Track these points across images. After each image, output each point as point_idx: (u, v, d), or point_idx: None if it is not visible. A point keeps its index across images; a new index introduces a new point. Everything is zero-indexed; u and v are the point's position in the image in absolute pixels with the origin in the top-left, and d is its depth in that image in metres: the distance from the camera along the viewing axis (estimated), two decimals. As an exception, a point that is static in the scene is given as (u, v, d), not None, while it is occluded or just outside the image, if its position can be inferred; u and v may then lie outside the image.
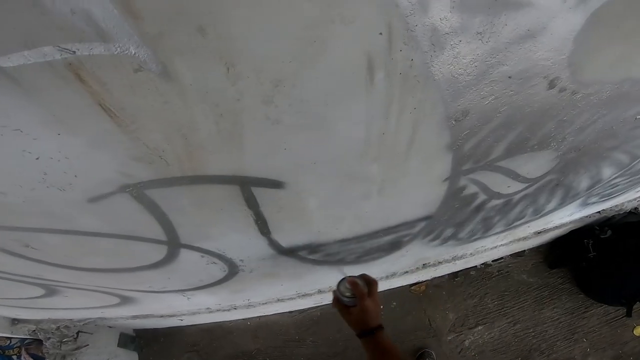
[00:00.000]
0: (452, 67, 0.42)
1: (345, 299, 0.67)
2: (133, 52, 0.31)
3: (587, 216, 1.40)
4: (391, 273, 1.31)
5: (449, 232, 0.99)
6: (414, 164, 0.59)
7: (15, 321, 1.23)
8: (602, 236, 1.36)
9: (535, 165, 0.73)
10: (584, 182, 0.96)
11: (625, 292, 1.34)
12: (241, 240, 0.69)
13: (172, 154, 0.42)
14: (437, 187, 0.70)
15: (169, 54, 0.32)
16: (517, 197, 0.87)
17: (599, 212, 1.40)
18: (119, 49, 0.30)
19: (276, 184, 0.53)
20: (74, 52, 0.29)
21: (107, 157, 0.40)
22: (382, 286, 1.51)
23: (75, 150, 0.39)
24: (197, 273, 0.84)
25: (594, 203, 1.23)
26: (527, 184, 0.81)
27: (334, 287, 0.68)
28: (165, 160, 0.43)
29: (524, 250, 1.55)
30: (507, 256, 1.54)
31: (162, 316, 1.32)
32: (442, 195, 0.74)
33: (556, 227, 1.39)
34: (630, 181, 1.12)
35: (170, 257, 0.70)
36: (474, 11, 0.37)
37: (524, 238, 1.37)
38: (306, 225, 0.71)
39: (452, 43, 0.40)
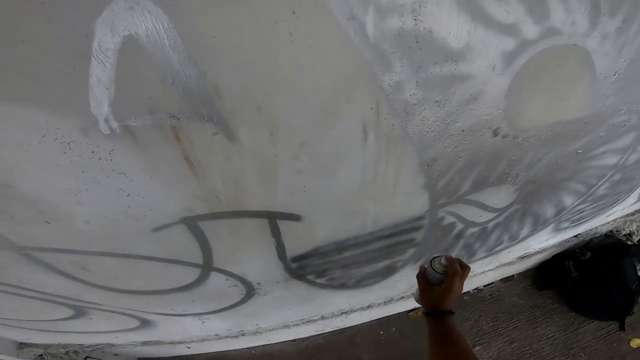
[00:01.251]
0: (420, 127, 0.62)
1: (436, 274, 0.69)
2: (215, 121, 0.49)
3: (565, 240, 1.58)
4: (389, 298, 1.42)
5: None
6: (400, 200, 0.78)
7: (22, 345, 1.26)
8: (583, 258, 1.53)
9: (499, 197, 0.92)
10: (549, 210, 1.14)
11: (613, 307, 1.46)
12: (262, 264, 0.84)
13: (224, 194, 0.60)
14: (420, 219, 0.88)
15: (237, 124, 0.51)
16: (490, 225, 1.04)
17: (575, 236, 1.58)
18: (207, 118, 0.48)
19: (296, 217, 0.71)
20: (179, 118, 0.47)
21: (178, 196, 0.58)
22: (381, 313, 1.62)
23: (156, 190, 0.56)
24: (218, 296, 0.97)
25: (566, 228, 1.41)
26: (496, 213, 0.99)
27: (426, 265, 0.72)
28: (218, 199, 0.60)
29: (513, 275, 1.69)
30: (497, 281, 1.67)
31: (171, 343, 1.40)
32: (425, 225, 0.91)
33: (538, 252, 1.56)
34: (595, 207, 1.31)
35: (201, 279, 0.84)
36: (432, 87, 0.57)
37: (509, 263, 1.52)
38: (316, 250, 0.86)
39: (419, 110, 0.59)
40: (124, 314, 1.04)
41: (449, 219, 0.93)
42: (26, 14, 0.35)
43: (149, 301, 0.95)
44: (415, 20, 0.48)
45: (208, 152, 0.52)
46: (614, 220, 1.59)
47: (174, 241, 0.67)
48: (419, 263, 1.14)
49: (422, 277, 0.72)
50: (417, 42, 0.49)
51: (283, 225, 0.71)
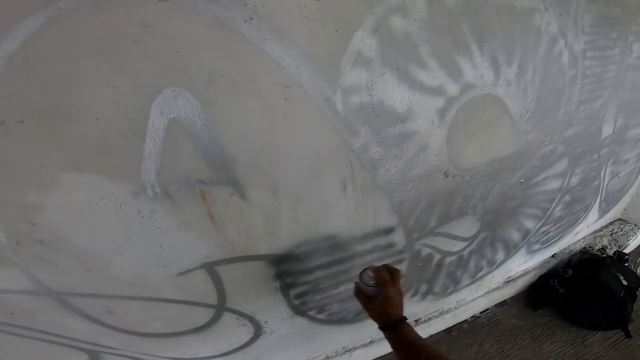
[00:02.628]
0: (386, 177, 0.77)
1: (368, 287, 0.66)
2: (231, 184, 0.63)
3: (544, 261, 1.66)
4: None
5: (423, 287, 1.22)
6: (380, 238, 0.90)
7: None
8: (566, 275, 1.61)
9: (465, 227, 1.04)
10: (514, 234, 1.26)
11: (608, 316, 1.49)
12: (269, 302, 0.91)
13: (238, 242, 0.71)
14: (400, 252, 0.99)
15: (248, 186, 0.65)
16: (465, 252, 1.15)
17: (552, 256, 1.67)
18: (226, 182, 0.62)
19: (295, 257, 0.82)
20: (206, 183, 0.61)
21: (202, 245, 0.69)
22: (382, 349, 1.59)
23: (184, 241, 0.67)
24: (228, 336, 1.00)
25: (539, 249, 1.51)
26: (467, 242, 1.10)
27: (357, 279, 0.70)
28: (233, 246, 0.71)
29: (505, 300, 1.72)
30: (492, 307, 1.70)
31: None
32: (406, 258, 1.02)
33: (522, 275, 1.63)
34: (558, 227, 1.43)
35: (214, 319, 0.89)
36: (390, 144, 0.74)
37: (497, 288, 1.58)
38: (315, 286, 0.94)
39: (383, 164, 0.75)
40: (134, 358, 1.04)
41: (426, 251, 1.04)
42: (100, 96, 0.50)
43: (163, 344, 0.97)
44: (370, 95, 0.67)
45: (226, 209, 0.65)
46: (584, 238, 1.71)
47: (194, 284, 0.76)
48: (409, 294, 1.20)
49: (359, 293, 0.70)
50: (373, 112, 0.68)
51: (285, 265, 0.82)
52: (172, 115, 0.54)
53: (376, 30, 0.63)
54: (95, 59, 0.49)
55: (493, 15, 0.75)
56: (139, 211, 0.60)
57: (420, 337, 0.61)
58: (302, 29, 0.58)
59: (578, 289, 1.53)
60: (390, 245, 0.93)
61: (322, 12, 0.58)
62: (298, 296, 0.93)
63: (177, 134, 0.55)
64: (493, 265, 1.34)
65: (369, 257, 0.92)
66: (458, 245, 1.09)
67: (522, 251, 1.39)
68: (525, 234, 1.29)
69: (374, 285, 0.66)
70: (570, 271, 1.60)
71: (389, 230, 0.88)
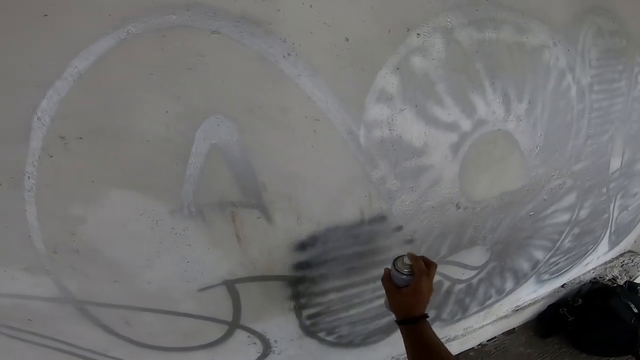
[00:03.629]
0: (401, 207, 0.82)
1: (400, 275, 0.62)
2: (260, 208, 0.68)
3: (554, 291, 1.67)
4: (395, 357, 1.42)
5: (432, 313, 1.24)
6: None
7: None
8: (575, 304, 1.64)
9: (475, 256, 1.08)
10: (524, 265, 1.28)
11: (618, 343, 1.49)
12: (281, 322, 0.93)
13: (260, 262, 0.76)
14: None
15: (274, 211, 0.70)
16: (475, 280, 1.17)
17: (562, 286, 1.68)
18: (255, 206, 0.68)
19: (311, 280, 0.85)
20: (237, 206, 0.66)
21: (225, 263, 0.73)
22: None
23: (210, 258, 0.71)
24: (237, 354, 1.01)
25: (548, 279, 1.53)
26: (477, 271, 1.13)
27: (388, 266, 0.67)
28: (255, 265, 0.76)
29: (514, 328, 1.72)
30: (500, 335, 1.69)
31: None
32: None
33: (531, 304, 1.63)
34: (567, 258, 1.45)
35: (226, 336, 0.92)
36: (406, 177, 0.79)
37: (506, 316, 1.58)
38: (327, 308, 0.97)
39: (399, 195, 0.81)
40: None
41: (436, 278, 1.07)
42: (153, 119, 0.56)
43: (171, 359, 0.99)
44: (390, 130, 0.73)
45: (253, 231, 0.70)
46: (594, 269, 1.72)
47: (213, 300, 0.79)
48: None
49: (388, 280, 0.65)
50: (392, 146, 0.74)
51: (301, 286, 0.86)
52: (213, 141, 0.60)
53: (398, 68, 0.70)
54: (153, 83, 0.55)
55: (505, 53, 0.82)
56: (173, 228, 0.65)
57: (437, 338, 0.57)
58: (333, 66, 0.65)
59: (588, 316, 1.55)
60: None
61: (351, 51, 0.66)
62: (310, 317, 0.95)
63: (216, 159, 0.61)
64: (502, 293, 1.35)
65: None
66: (467, 274, 1.11)
67: (532, 281, 1.41)
68: (535, 264, 1.31)
69: (408, 273, 0.63)
70: (580, 300, 1.63)
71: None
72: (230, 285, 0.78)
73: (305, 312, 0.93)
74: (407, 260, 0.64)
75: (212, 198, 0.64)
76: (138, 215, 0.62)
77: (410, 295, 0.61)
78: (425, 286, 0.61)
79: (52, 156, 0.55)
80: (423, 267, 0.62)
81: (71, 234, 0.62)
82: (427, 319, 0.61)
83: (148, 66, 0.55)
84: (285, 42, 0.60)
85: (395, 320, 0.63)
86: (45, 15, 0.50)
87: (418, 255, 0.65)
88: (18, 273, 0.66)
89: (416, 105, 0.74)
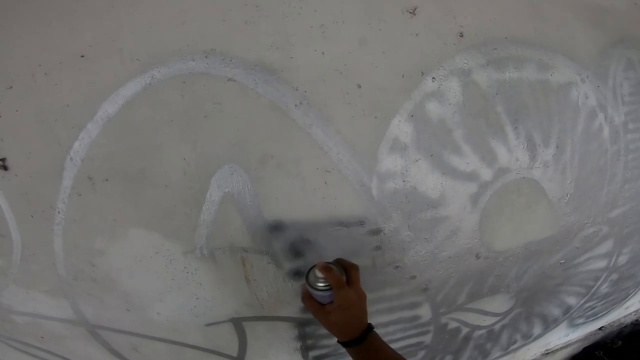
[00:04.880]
0: (415, 258, 0.81)
1: (317, 292, 0.55)
2: (270, 254, 0.71)
3: (591, 333, 1.54)
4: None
5: (449, 358, 1.17)
6: (406, 312, 0.92)
7: None
8: (614, 346, 1.53)
9: (497, 304, 1.02)
10: (554, 310, 1.20)
11: None
12: (286, 360, 0.94)
13: (267, 303, 0.77)
14: (426, 324, 0.99)
15: (284, 256, 0.72)
16: (497, 327, 1.11)
17: (600, 329, 1.54)
18: (265, 252, 0.70)
19: (317, 322, 0.84)
20: (247, 251, 0.69)
21: (233, 302, 0.76)
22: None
23: (219, 296, 0.74)
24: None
25: (583, 323, 1.41)
26: (498, 317, 1.07)
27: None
28: (262, 306, 0.77)
29: (543, 374, 1.58)
30: (528, 382, 1.56)
31: None
32: (431, 330, 1.01)
33: (563, 347, 1.50)
34: (605, 303, 1.34)
35: (231, 371, 0.93)
36: (420, 228, 0.78)
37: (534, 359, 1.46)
38: (335, 350, 0.96)
39: (413, 246, 0.80)
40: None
41: (453, 324, 1.03)
42: (173, 165, 0.60)
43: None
44: (404, 181, 0.73)
45: (262, 274, 0.72)
46: (635, 311, 1.57)
47: (220, 335, 0.82)
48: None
49: (308, 298, 0.57)
50: (406, 197, 0.74)
51: (309, 328, 0.86)
52: (226, 190, 0.64)
53: (412, 116, 0.71)
54: (173, 129, 0.60)
55: (528, 93, 0.79)
56: (185, 267, 0.69)
57: (393, 351, 0.52)
58: (345, 115, 0.67)
59: (630, 356, 1.47)
60: (415, 318, 0.93)
61: (363, 98, 0.67)
62: (317, 358, 0.95)
63: (228, 207, 0.65)
64: (529, 338, 1.27)
65: (392, 328, 0.93)
66: (488, 320, 1.06)
67: (563, 325, 1.31)
68: (567, 309, 1.22)
69: (325, 288, 0.54)
70: (619, 342, 1.53)
71: (415, 305, 0.90)
72: (237, 323, 0.80)
73: (312, 354, 0.93)
74: (318, 273, 0.56)
75: (223, 242, 0.67)
76: (154, 253, 0.67)
77: (338, 311, 0.53)
78: (351, 298, 0.53)
79: (80, 195, 0.62)
80: (338, 278, 0.54)
81: (91, 265, 0.68)
82: (374, 329, 0.54)
83: (169, 112, 0.60)
84: (297, 90, 0.63)
85: (338, 342, 0.56)
86: (82, 57, 0.57)
87: (331, 261, 0.57)
88: (39, 295, 0.73)
89: (432, 155, 0.73)
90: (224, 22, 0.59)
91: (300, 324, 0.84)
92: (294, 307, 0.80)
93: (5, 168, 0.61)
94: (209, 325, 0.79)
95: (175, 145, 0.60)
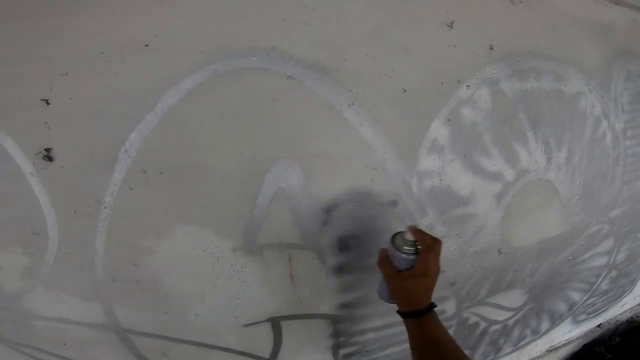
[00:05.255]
0: (446, 253, 0.85)
1: (401, 255, 0.54)
2: (316, 250, 0.72)
3: (590, 330, 1.65)
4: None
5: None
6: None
7: None
8: (613, 343, 1.64)
9: (512, 298, 1.09)
10: (561, 306, 1.28)
11: None
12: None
13: (307, 300, 0.78)
14: (449, 319, 1.03)
15: (329, 252, 0.73)
16: (511, 321, 1.17)
17: (598, 326, 1.65)
18: (311, 248, 0.71)
19: (353, 319, 0.87)
20: (294, 247, 0.70)
21: (275, 300, 0.76)
22: None
23: (262, 295, 0.74)
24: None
25: (585, 320, 1.51)
26: (513, 312, 1.14)
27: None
28: (302, 303, 0.78)
29: (546, 370, 1.67)
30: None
31: None
32: (454, 324, 1.05)
33: (565, 344, 1.60)
34: (604, 299, 1.45)
35: (260, 373, 0.92)
36: (452, 224, 0.83)
37: (539, 357, 1.55)
38: (363, 348, 0.98)
39: (445, 241, 0.81)
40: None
41: (474, 319, 1.08)
42: (230, 159, 0.61)
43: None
44: (440, 180, 0.78)
45: (306, 270, 0.74)
46: (630, 309, 1.70)
47: (256, 336, 0.81)
48: None
49: (386, 262, 0.56)
50: (442, 195, 0.78)
51: (343, 325, 0.87)
52: (280, 185, 0.65)
53: (449, 120, 0.76)
54: (233, 123, 0.61)
55: (545, 101, 0.88)
56: (232, 265, 0.68)
57: (448, 335, 0.51)
58: (392, 116, 0.71)
59: (628, 353, 1.56)
60: (441, 313, 0.96)
61: (408, 102, 0.72)
62: (346, 356, 0.96)
63: (280, 202, 0.66)
64: (537, 334, 1.34)
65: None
66: (504, 315, 1.12)
67: (568, 321, 1.40)
68: (572, 305, 1.31)
69: (412, 252, 0.54)
70: (617, 339, 1.64)
71: (442, 299, 0.94)
72: (276, 322, 0.80)
73: (342, 352, 0.94)
74: (409, 237, 0.56)
75: (272, 239, 0.68)
76: (202, 251, 0.66)
77: (415, 278, 0.53)
78: (433, 266, 0.54)
79: (132, 188, 0.60)
80: (430, 242, 0.54)
81: (134, 265, 0.66)
82: (435, 309, 0.54)
83: (229, 106, 0.60)
84: (350, 91, 0.67)
85: (398, 311, 0.56)
86: (146, 46, 0.56)
87: (419, 228, 0.56)
88: (70, 298, 0.69)
89: (465, 156, 0.79)
90: (284, 22, 0.62)
91: (336, 320, 0.85)
92: (331, 303, 0.81)
93: (50, 159, 0.57)
94: (247, 325, 0.79)
95: (233, 140, 0.61)
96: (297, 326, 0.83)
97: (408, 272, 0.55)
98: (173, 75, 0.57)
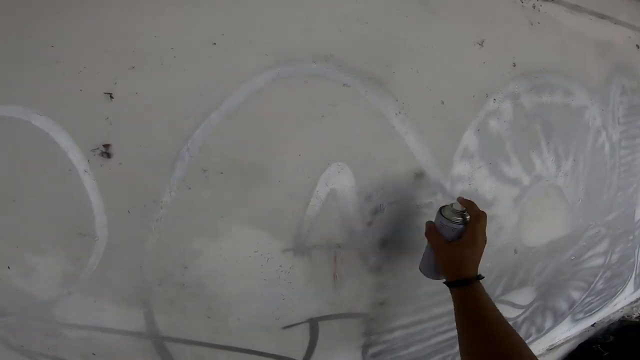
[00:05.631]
0: None
1: (449, 224, 0.57)
2: (359, 249, 0.74)
3: (585, 330, 1.76)
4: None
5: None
6: None
7: None
8: (607, 341, 1.74)
9: (523, 296, 1.17)
10: (563, 304, 1.38)
11: None
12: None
13: (346, 300, 0.81)
14: None
15: (370, 250, 0.76)
16: (520, 319, 1.25)
17: (592, 325, 1.78)
18: (356, 247, 0.74)
19: (385, 316, 0.90)
20: (341, 247, 0.73)
21: (316, 301, 0.78)
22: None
23: (305, 296, 0.76)
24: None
25: (582, 318, 1.63)
26: (523, 309, 1.22)
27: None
28: (341, 303, 0.80)
29: (546, 367, 1.76)
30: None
31: None
32: None
33: (564, 342, 1.70)
34: (599, 298, 1.57)
35: (292, 376, 0.92)
36: None
37: (541, 355, 1.63)
38: (390, 346, 1.01)
39: None
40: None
41: None
42: (289, 161, 0.63)
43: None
44: (470, 184, 0.84)
45: (349, 270, 0.76)
46: (622, 308, 1.85)
47: (293, 337, 0.82)
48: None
49: (435, 233, 0.59)
50: (470, 198, 0.82)
51: (376, 323, 0.90)
52: (332, 187, 0.68)
53: (479, 130, 0.83)
54: (292, 126, 0.63)
55: (556, 114, 0.97)
56: (280, 266, 0.70)
57: (495, 307, 0.53)
58: (432, 125, 0.77)
59: (623, 349, 1.67)
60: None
61: (446, 113, 0.78)
62: (374, 355, 0.98)
63: (331, 203, 0.69)
64: (541, 332, 1.43)
65: (443, 319, 1.01)
66: (515, 313, 1.19)
67: (568, 320, 1.50)
68: (572, 304, 1.41)
69: (460, 222, 0.57)
70: (611, 337, 1.76)
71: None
72: (314, 323, 0.81)
73: (371, 350, 0.96)
74: (457, 207, 0.59)
75: (322, 239, 0.71)
76: (253, 252, 0.67)
77: (464, 247, 0.55)
78: (481, 236, 0.56)
79: (190, 188, 0.60)
80: (479, 213, 0.57)
81: (183, 267, 0.65)
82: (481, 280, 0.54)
83: (290, 109, 0.63)
84: (397, 101, 0.72)
85: (445, 282, 0.58)
86: (214, 44, 0.57)
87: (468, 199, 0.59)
88: (109, 304, 0.66)
89: (490, 163, 0.86)
90: (340, 32, 0.66)
91: (370, 319, 0.88)
92: (368, 302, 0.84)
93: (108, 155, 0.55)
94: (286, 327, 0.79)
95: (293, 142, 0.64)
96: (334, 326, 0.85)
97: (457, 241, 0.57)
98: (239, 75, 0.58)
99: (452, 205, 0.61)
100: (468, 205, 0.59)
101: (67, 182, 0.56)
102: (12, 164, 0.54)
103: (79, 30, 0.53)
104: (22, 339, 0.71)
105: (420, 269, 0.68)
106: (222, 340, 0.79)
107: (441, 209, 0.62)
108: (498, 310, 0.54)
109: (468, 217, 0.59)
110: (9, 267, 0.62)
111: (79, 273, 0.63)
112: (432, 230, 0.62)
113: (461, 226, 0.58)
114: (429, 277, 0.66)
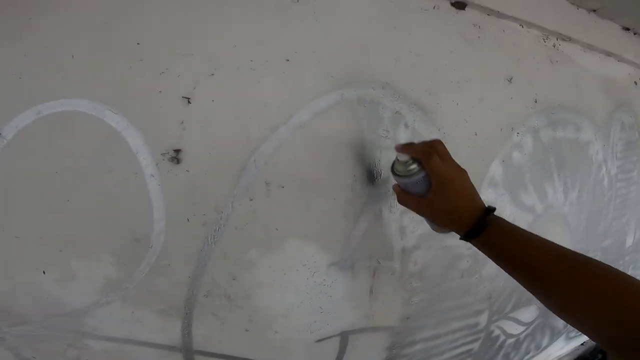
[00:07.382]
0: (490, 270, 1.00)
1: (410, 178, 0.50)
2: (395, 265, 0.81)
3: (575, 348, 1.90)
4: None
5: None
6: (473, 319, 1.09)
7: None
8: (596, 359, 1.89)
9: (527, 314, 1.27)
10: (559, 322, 1.51)
11: None
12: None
13: (379, 314, 0.86)
14: (480, 331, 1.17)
15: (406, 266, 0.83)
16: (522, 335, 1.36)
17: (582, 344, 1.93)
18: (392, 266, 0.80)
19: (409, 330, 0.96)
20: (380, 263, 0.78)
21: (352, 314, 0.82)
22: None
23: (342, 310, 0.81)
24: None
25: (574, 337, 1.76)
26: (526, 326, 1.32)
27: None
28: (373, 317, 0.86)
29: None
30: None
31: None
32: (482, 337, 1.20)
33: None
34: None
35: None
36: None
37: None
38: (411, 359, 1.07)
39: (489, 261, 0.98)
40: None
41: (497, 332, 1.23)
42: (344, 180, 0.68)
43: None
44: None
45: (385, 285, 0.82)
46: None
47: (323, 351, 0.85)
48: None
49: (405, 196, 0.53)
50: None
51: (400, 337, 0.96)
52: (380, 207, 0.75)
53: (503, 161, 0.93)
54: (351, 146, 0.69)
55: (567, 148, 1.10)
56: (324, 280, 0.75)
57: (531, 232, 0.44)
58: (466, 155, 0.86)
59: None
60: (475, 325, 1.11)
61: (477, 144, 0.88)
62: (392, 368, 1.04)
63: (376, 222, 0.75)
64: (539, 349, 1.55)
65: (459, 334, 1.09)
66: (519, 329, 1.30)
67: (562, 337, 1.63)
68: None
69: (415, 170, 0.49)
70: (599, 355, 1.92)
71: (479, 312, 1.09)
72: (345, 336, 0.86)
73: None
74: (402, 157, 0.50)
75: (365, 254, 0.77)
76: (301, 266, 0.72)
77: (439, 195, 0.48)
78: (446, 170, 0.47)
79: (252, 199, 0.63)
80: (425, 149, 0.48)
81: (232, 279, 0.68)
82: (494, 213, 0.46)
83: (350, 130, 0.69)
84: (439, 130, 0.80)
85: (461, 238, 0.51)
86: (287, 60, 0.62)
87: (407, 142, 0.52)
88: (150, 315, 0.64)
89: (511, 192, 0.96)
90: (395, 62, 0.74)
91: (396, 332, 0.94)
92: (397, 315, 0.91)
93: (177, 161, 0.56)
94: (319, 341, 0.84)
95: (349, 162, 0.70)
96: (362, 340, 0.90)
97: (430, 194, 0.50)
98: (307, 93, 0.64)
99: (396, 158, 0.53)
100: (409, 150, 0.50)
101: (131, 185, 0.55)
102: (76, 162, 0.53)
103: (166, 30, 0.55)
104: (37, 350, 0.68)
105: (430, 229, 0.63)
106: (257, 354, 0.80)
107: (391, 169, 0.55)
108: (535, 235, 0.48)
109: (420, 160, 0.52)
110: (44, 272, 0.59)
111: (124, 281, 0.62)
112: (401, 195, 0.55)
113: (422, 174, 0.51)
114: (440, 233, 0.60)
